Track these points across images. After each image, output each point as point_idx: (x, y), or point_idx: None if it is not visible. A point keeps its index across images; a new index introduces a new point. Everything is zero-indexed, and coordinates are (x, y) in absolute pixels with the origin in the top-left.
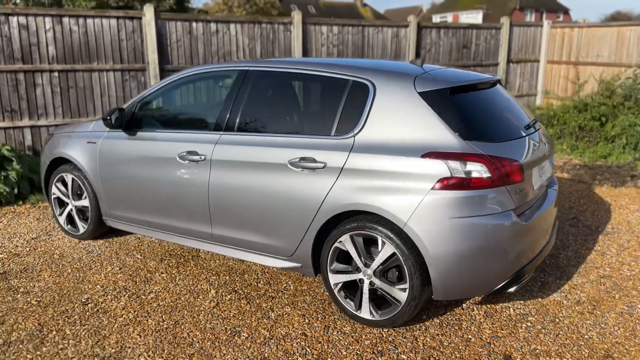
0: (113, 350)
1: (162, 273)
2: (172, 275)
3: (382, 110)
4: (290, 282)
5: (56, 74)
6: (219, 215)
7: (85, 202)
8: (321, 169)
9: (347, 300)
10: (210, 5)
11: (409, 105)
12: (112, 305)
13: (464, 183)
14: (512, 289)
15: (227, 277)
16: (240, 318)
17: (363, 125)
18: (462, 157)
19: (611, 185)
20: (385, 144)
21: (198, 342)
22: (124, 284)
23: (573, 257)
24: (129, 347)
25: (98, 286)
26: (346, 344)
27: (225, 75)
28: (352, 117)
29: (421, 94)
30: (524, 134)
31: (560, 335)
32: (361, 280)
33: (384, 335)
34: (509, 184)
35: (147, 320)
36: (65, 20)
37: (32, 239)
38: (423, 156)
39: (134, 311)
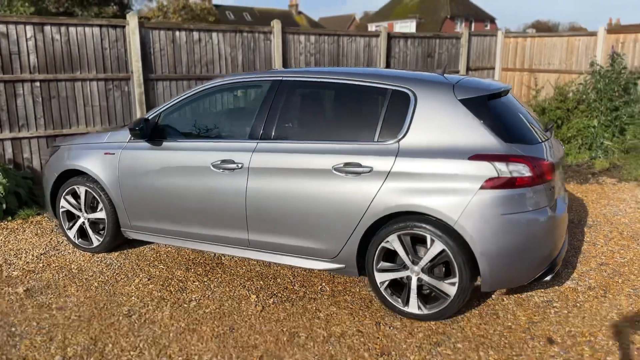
0: (181, 359)
1: (194, 282)
2: (205, 283)
3: (425, 117)
4: (324, 284)
5: (38, 83)
6: (257, 222)
7: (100, 214)
8: (367, 173)
9: (394, 297)
10: (145, 11)
11: (451, 112)
12: (157, 316)
13: (509, 182)
14: (547, 278)
15: (261, 282)
16: (291, 320)
17: (407, 131)
18: (507, 158)
19: (577, 183)
20: (430, 148)
21: (261, 344)
22: (159, 294)
23: (570, 249)
24: (195, 354)
25: (133, 298)
26: (402, 337)
27: (256, 85)
28: (394, 124)
29: (461, 101)
30: (546, 137)
31: (586, 318)
32: (409, 278)
33: (433, 327)
34: (544, 182)
35: (201, 327)
36: (47, 28)
37: (41, 254)
38: (470, 158)
39: (183, 320)
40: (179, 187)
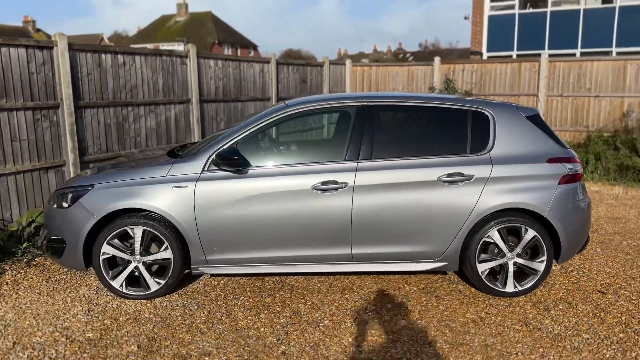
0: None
1: (296, 304)
2: (309, 304)
3: (504, 132)
4: (406, 286)
5: None
6: (362, 236)
7: (164, 254)
8: (469, 180)
9: (492, 281)
10: None
11: (523, 127)
12: (339, 338)
13: (573, 177)
14: (584, 249)
15: (356, 294)
16: (429, 316)
17: (493, 143)
18: (569, 159)
19: None
20: (514, 156)
21: (436, 336)
22: (283, 320)
23: None
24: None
25: (263, 329)
26: (520, 311)
27: (340, 109)
28: (481, 138)
29: (527, 118)
30: None
31: (600, 272)
32: (505, 263)
33: (528, 300)
34: (583, 176)
35: (372, 338)
36: None
37: (89, 311)
38: (548, 161)
39: (350, 335)
40: (275, 212)
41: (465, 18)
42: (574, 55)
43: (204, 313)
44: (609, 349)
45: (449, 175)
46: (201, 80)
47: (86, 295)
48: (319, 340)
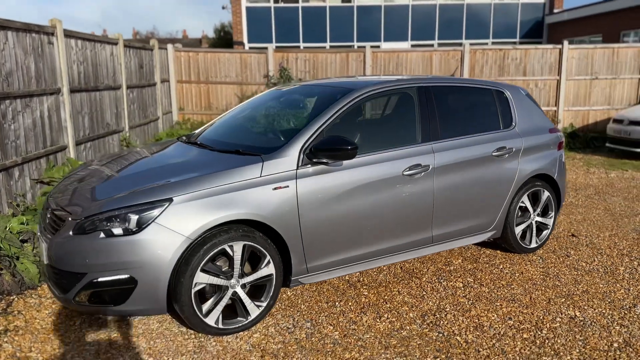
0: (510, 321)
1: (395, 298)
2: (406, 295)
3: (519, 108)
4: (450, 260)
5: None
6: (440, 216)
7: (265, 270)
8: (511, 153)
9: (522, 240)
10: None
11: (527, 104)
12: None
13: (561, 144)
14: None
15: (427, 276)
16: (509, 278)
17: (516, 120)
18: (557, 130)
19: None
20: (529, 129)
21: (527, 297)
22: (413, 315)
23: None
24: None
25: (426, 324)
26: (557, 261)
27: (403, 91)
28: (506, 115)
29: (526, 96)
30: None
31: (561, 222)
32: (531, 223)
33: (545, 252)
34: None
35: (502, 309)
36: None
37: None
38: (549, 131)
39: (472, 310)
40: (371, 203)
41: (224, 8)
42: (322, 48)
43: (329, 328)
44: None
45: (498, 149)
46: (68, 64)
47: (162, 348)
48: (469, 323)
